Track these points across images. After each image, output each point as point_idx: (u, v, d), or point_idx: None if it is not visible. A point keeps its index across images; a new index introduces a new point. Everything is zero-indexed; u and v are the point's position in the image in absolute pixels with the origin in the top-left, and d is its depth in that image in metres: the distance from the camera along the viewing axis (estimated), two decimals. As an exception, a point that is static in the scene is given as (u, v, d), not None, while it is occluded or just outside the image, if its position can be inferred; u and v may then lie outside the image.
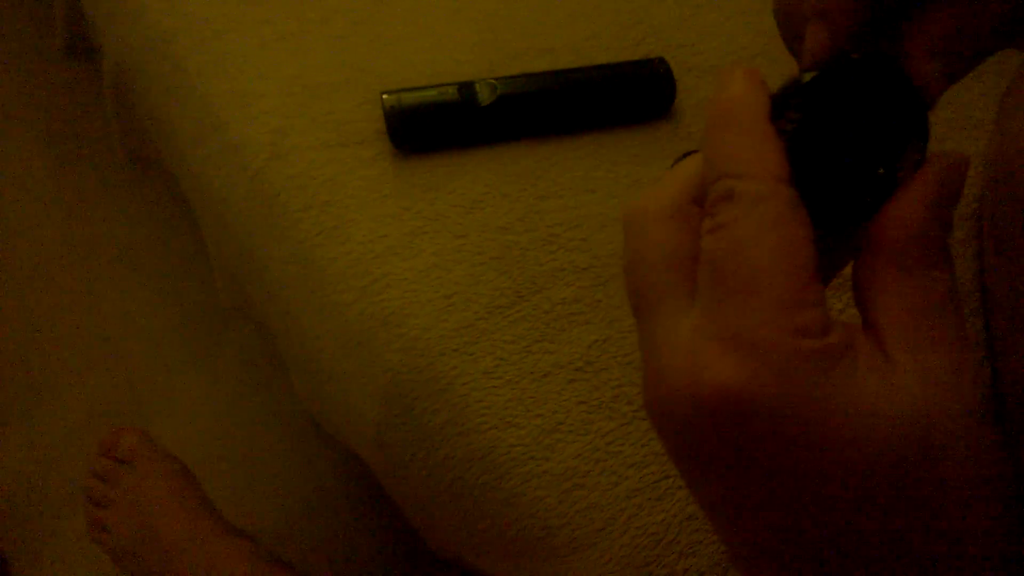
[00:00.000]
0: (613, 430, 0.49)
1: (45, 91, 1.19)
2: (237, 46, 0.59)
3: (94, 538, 0.78)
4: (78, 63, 1.15)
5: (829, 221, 0.23)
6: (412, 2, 0.62)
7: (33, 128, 1.16)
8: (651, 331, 0.24)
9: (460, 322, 0.51)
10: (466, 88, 0.56)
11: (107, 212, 1.11)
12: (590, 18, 0.62)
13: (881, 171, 0.23)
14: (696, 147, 0.25)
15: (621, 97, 0.57)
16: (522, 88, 0.56)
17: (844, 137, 0.23)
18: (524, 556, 0.49)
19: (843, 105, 0.23)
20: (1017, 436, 0.51)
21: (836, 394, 0.21)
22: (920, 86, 0.23)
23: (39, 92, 1.19)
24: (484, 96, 0.55)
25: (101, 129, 1.12)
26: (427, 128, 0.55)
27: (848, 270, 0.26)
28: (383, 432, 0.52)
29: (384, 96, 0.55)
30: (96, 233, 1.10)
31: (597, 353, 0.50)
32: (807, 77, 0.23)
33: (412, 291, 0.51)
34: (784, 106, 0.23)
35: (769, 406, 0.20)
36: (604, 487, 0.47)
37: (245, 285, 0.62)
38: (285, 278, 0.55)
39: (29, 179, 1.13)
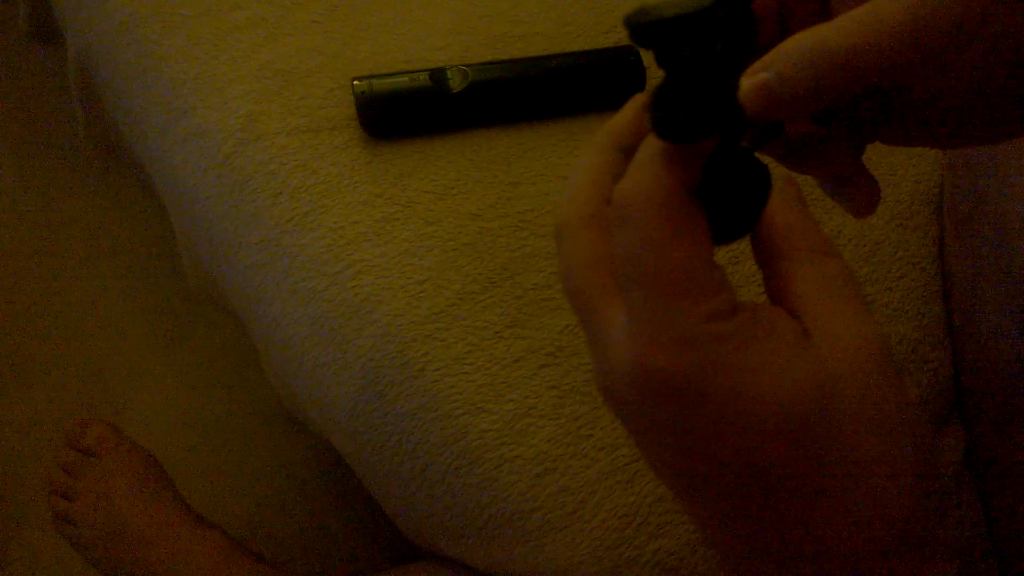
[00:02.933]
0: (584, 414, 0.49)
1: (8, 77, 1.16)
2: (206, 31, 0.58)
3: (60, 531, 0.77)
4: (42, 48, 1.13)
5: (725, 235, 0.27)
6: (383, -12, 0.62)
7: (-5, 115, 1.14)
8: (592, 330, 0.26)
9: (432, 308, 0.51)
10: (438, 74, 0.56)
11: (73, 200, 1.09)
12: (562, 6, 0.62)
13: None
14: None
15: (592, 84, 0.58)
16: (494, 75, 0.56)
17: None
18: (497, 540, 0.50)
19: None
20: (975, 412, 0.53)
21: (751, 363, 0.23)
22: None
23: (2, 78, 1.16)
24: (456, 83, 0.55)
25: (66, 115, 1.10)
26: (399, 115, 0.55)
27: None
28: (355, 418, 0.52)
29: (355, 82, 0.55)
30: (62, 221, 1.08)
31: (569, 338, 0.51)
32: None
33: (384, 277, 0.51)
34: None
35: (697, 382, 0.24)
36: (575, 471, 0.48)
37: (215, 273, 0.62)
38: (256, 265, 0.55)
39: (-9, 167, 1.11)
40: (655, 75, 0.58)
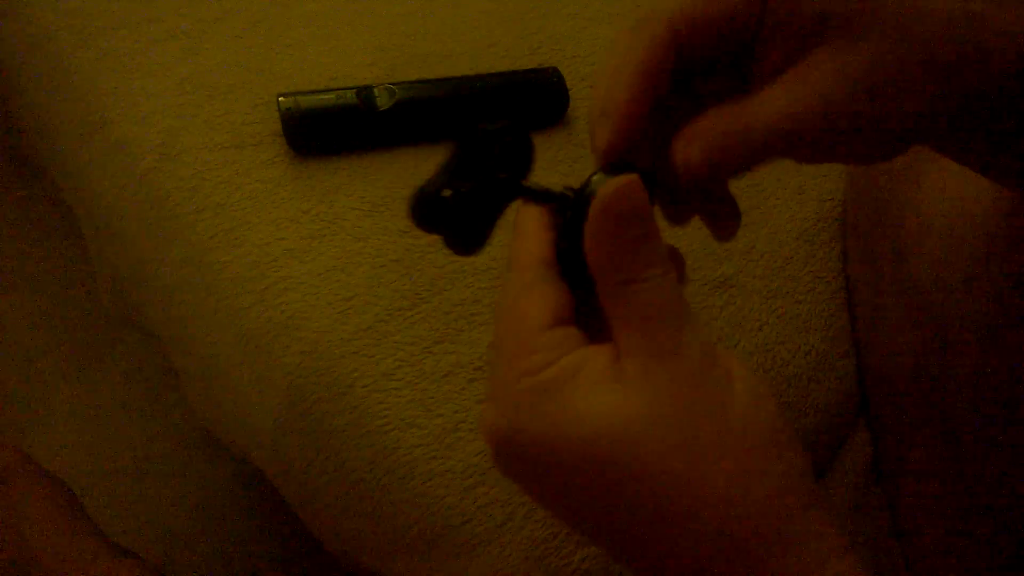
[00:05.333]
0: (513, 427, 0.50)
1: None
2: (123, 44, 0.57)
3: (-37, 565, 0.73)
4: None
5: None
6: (311, 4, 0.62)
7: None
8: None
9: (360, 324, 0.51)
10: (365, 92, 0.56)
11: (-24, 218, 1.04)
12: (488, 27, 0.64)
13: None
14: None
15: (516, 104, 0.59)
16: (421, 93, 0.57)
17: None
18: (427, 556, 0.50)
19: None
20: (879, 424, 0.56)
21: (560, 409, 0.25)
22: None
23: None
24: (383, 101, 0.56)
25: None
26: (325, 132, 0.55)
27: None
28: (282, 437, 0.51)
29: (280, 99, 0.55)
30: (-37, 240, 1.03)
31: (496, 353, 0.52)
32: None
33: (311, 294, 0.51)
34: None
35: (514, 438, 0.26)
36: (504, 483, 0.49)
37: (133, 291, 0.60)
38: (177, 283, 0.54)
39: None
40: (578, 95, 0.60)
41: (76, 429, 0.94)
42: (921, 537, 0.53)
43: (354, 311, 0.51)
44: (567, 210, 0.30)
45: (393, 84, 0.57)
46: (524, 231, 0.29)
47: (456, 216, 0.30)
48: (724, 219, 0.33)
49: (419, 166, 0.57)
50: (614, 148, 0.29)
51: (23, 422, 0.93)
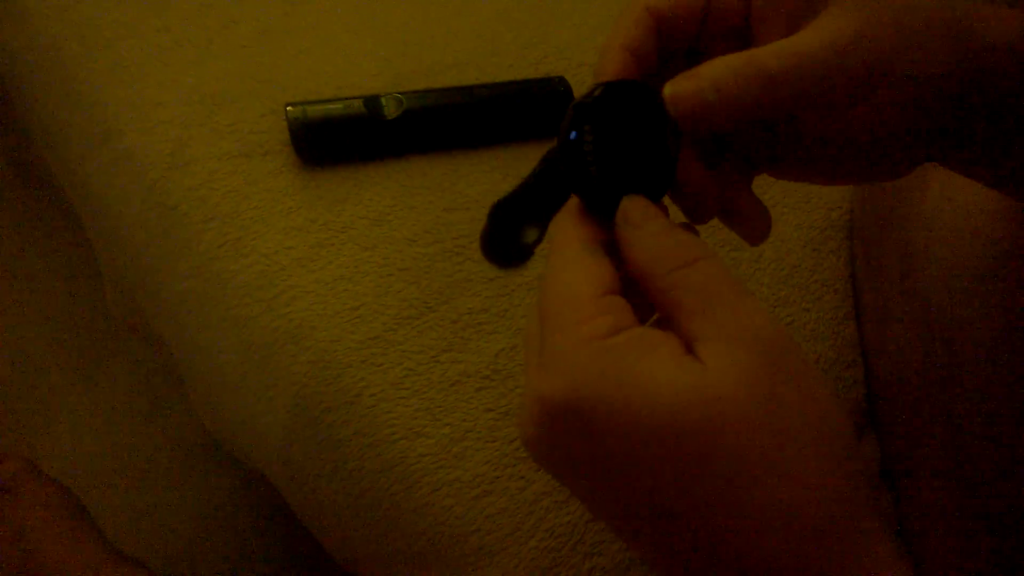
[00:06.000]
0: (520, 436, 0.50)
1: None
2: (132, 53, 0.57)
3: (-31, 573, 0.73)
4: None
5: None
6: (318, 14, 0.62)
7: None
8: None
9: (368, 334, 0.51)
10: (372, 102, 0.56)
11: (-17, 226, 1.05)
12: (494, 36, 0.64)
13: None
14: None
15: (523, 113, 0.59)
16: (428, 103, 0.57)
17: (625, 150, 0.29)
18: (435, 566, 0.50)
19: (624, 120, 0.29)
20: (887, 430, 0.56)
21: (634, 376, 0.24)
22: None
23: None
24: (390, 110, 0.56)
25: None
26: (333, 141, 0.55)
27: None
28: (289, 447, 0.51)
29: (288, 108, 0.55)
30: (-30, 248, 1.03)
31: (504, 361, 0.52)
32: (597, 91, 0.29)
33: (319, 303, 0.51)
34: (583, 119, 0.29)
35: (575, 403, 0.24)
36: (512, 492, 0.49)
37: (140, 299, 0.60)
38: (185, 292, 0.54)
39: None
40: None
41: (82, 437, 0.94)
42: (929, 542, 0.53)
43: (362, 320, 0.51)
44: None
45: (400, 93, 0.57)
46: (568, 209, 0.30)
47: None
48: (750, 218, 0.33)
49: (426, 175, 0.57)
50: None
51: (29, 430, 0.93)
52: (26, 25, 0.59)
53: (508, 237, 0.32)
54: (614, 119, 0.29)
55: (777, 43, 0.28)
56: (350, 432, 0.49)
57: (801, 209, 0.60)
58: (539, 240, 0.32)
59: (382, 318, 0.51)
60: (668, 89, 0.28)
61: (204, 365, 0.55)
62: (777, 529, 0.23)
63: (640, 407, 0.23)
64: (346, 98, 0.56)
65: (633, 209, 0.28)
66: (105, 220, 0.58)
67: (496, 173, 0.58)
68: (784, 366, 0.24)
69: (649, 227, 0.27)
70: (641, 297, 0.28)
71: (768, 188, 0.61)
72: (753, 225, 0.33)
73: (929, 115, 0.29)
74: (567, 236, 0.28)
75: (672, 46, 0.32)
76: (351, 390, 0.49)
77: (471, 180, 0.57)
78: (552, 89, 0.60)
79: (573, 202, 0.30)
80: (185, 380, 0.63)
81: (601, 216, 0.29)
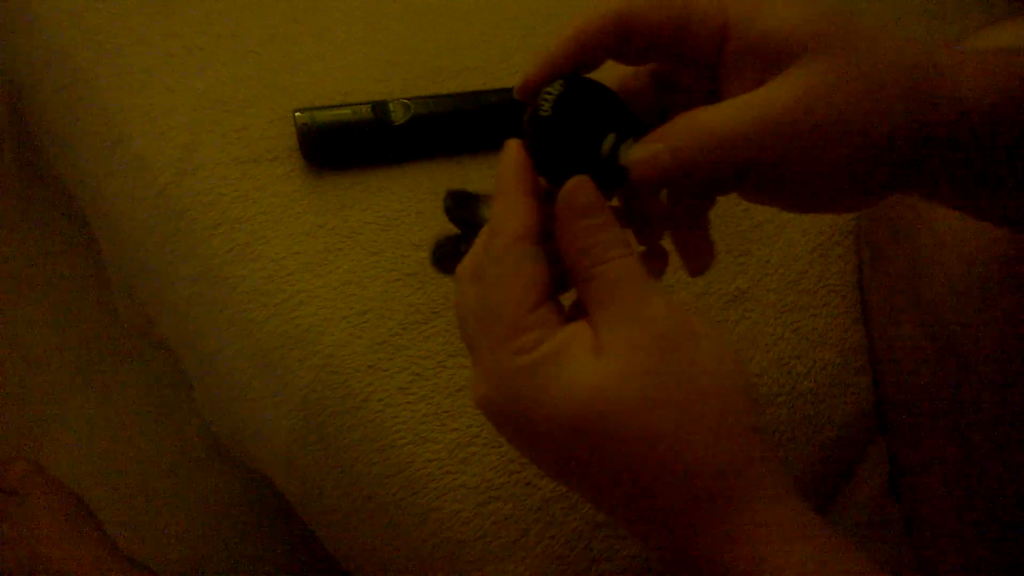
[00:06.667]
0: (527, 442, 0.50)
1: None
2: (141, 59, 0.58)
3: (-23, 577, 0.73)
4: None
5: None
6: (326, 20, 0.62)
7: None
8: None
9: (375, 338, 0.51)
10: (380, 107, 0.56)
11: (-7, 230, 1.05)
12: (502, 41, 0.64)
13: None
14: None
15: (531, 119, 0.59)
16: (435, 108, 0.57)
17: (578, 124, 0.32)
18: (441, 571, 0.50)
19: (589, 106, 0.32)
20: (896, 439, 0.56)
21: (546, 386, 0.28)
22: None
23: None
24: (398, 115, 0.56)
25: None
26: (341, 146, 0.56)
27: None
28: (296, 451, 0.51)
29: (296, 114, 0.55)
30: (-20, 252, 1.04)
31: (511, 367, 0.52)
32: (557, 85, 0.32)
33: (326, 308, 0.51)
34: (543, 97, 0.32)
35: (506, 410, 0.30)
36: (519, 498, 0.48)
37: (149, 304, 0.61)
38: (193, 296, 0.54)
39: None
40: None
41: (89, 440, 0.94)
42: (939, 552, 0.52)
43: (369, 325, 0.51)
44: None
45: (408, 99, 0.57)
46: (508, 198, 0.32)
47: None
48: (694, 251, 0.35)
49: (434, 180, 0.57)
50: (526, 84, 0.33)
51: (37, 433, 0.93)
52: (37, 32, 0.59)
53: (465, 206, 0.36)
54: (582, 101, 0.32)
55: (738, 101, 0.30)
56: (357, 437, 0.49)
57: (808, 215, 0.60)
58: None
59: (389, 323, 0.51)
60: (627, 156, 0.31)
61: (211, 369, 0.55)
62: (676, 486, 0.28)
63: (552, 409, 0.28)
64: (354, 104, 0.56)
65: (573, 201, 0.30)
66: (114, 225, 0.58)
67: (503, 178, 0.58)
68: (672, 356, 0.29)
69: (579, 224, 0.30)
70: None
71: (775, 194, 0.60)
72: (695, 258, 0.35)
73: (885, 168, 0.31)
74: (508, 229, 0.30)
75: (640, 50, 0.32)
76: (358, 395, 0.49)
77: (477, 186, 0.57)
78: (559, 95, 0.60)
79: (513, 180, 0.32)
80: (192, 384, 0.63)
81: (550, 182, 0.32)
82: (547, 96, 0.32)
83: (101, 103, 0.57)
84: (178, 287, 0.55)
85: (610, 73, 0.34)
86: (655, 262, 0.35)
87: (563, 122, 0.32)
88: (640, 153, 0.31)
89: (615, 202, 0.35)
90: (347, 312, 0.51)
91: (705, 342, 0.29)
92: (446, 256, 0.36)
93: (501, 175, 0.32)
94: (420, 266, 0.53)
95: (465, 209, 0.36)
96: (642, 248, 0.35)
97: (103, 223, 0.59)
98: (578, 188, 0.30)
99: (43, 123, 0.62)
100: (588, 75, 0.33)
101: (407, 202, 0.55)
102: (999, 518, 0.49)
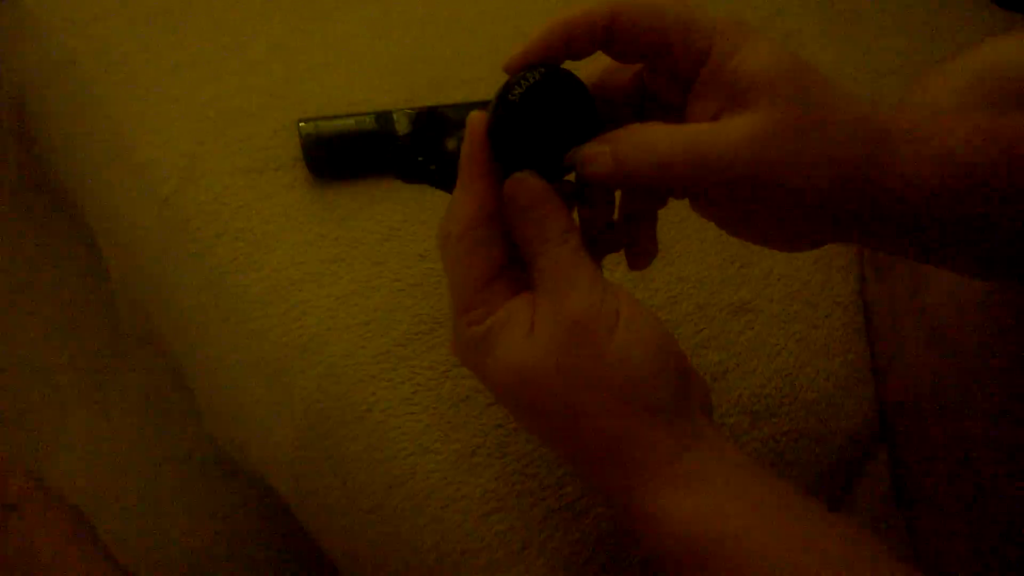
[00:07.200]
0: (531, 452, 0.50)
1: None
2: (147, 69, 0.58)
3: (-25, 589, 0.73)
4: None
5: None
6: (331, 31, 0.63)
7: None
8: None
9: (378, 349, 0.51)
10: (383, 118, 0.56)
11: (-5, 239, 1.05)
12: (505, 52, 0.64)
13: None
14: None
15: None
16: (439, 118, 0.58)
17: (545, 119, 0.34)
18: (443, 582, 0.49)
19: (555, 99, 0.34)
20: (899, 449, 0.56)
21: (490, 354, 0.34)
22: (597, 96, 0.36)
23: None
24: (402, 126, 0.56)
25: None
26: (344, 156, 0.56)
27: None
28: (299, 461, 0.51)
29: (300, 124, 0.55)
30: (-20, 261, 1.04)
31: (514, 377, 0.52)
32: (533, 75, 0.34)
33: (330, 318, 0.51)
34: (518, 82, 0.35)
35: (467, 363, 0.36)
36: (522, 508, 0.48)
37: (152, 314, 0.61)
38: (196, 305, 0.54)
39: (-95, 204, 1.06)
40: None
41: (90, 453, 0.93)
42: (941, 562, 0.52)
43: (372, 335, 0.51)
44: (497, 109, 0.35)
45: (412, 109, 0.57)
46: (464, 183, 0.35)
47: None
48: (637, 251, 0.39)
49: (436, 191, 0.57)
50: (511, 62, 0.36)
51: (37, 445, 0.93)
52: (42, 41, 0.60)
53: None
54: (552, 96, 0.34)
55: (688, 128, 0.32)
56: (360, 447, 0.49)
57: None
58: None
59: (393, 333, 0.51)
60: (575, 154, 0.34)
61: (214, 379, 0.55)
62: (588, 441, 0.34)
63: (494, 373, 0.35)
64: (358, 114, 0.57)
65: (516, 196, 0.34)
66: (118, 233, 0.58)
67: (506, 189, 0.58)
68: (582, 339, 0.33)
69: (521, 216, 0.34)
70: None
71: (778, 205, 0.61)
72: (637, 252, 0.39)
73: (820, 222, 0.33)
74: (469, 215, 0.34)
75: (625, 50, 0.34)
76: (361, 405, 0.49)
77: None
78: (562, 106, 0.60)
79: (474, 167, 0.34)
80: (195, 393, 0.63)
81: (503, 167, 0.35)
82: (523, 81, 0.34)
83: (106, 112, 0.57)
84: (181, 296, 0.55)
85: (604, 61, 0.36)
86: (638, 254, 0.39)
87: (526, 112, 0.34)
88: (586, 152, 0.33)
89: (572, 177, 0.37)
90: (350, 322, 0.51)
91: (622, 331, 0.33)
92: (402, 158, 0.44)
93: (464, 155, 0.35)
94: (424, 276, 0.53)
95: (432, 131, 0.42)
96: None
97: (107, 231, 0.60)
98: (520, 185, 0.34)
99: (48, 131, 0.62)
100: (576, 64, 0.35)
101: (410, 212, 0.56)
102: (1001, 526, 0.49)
